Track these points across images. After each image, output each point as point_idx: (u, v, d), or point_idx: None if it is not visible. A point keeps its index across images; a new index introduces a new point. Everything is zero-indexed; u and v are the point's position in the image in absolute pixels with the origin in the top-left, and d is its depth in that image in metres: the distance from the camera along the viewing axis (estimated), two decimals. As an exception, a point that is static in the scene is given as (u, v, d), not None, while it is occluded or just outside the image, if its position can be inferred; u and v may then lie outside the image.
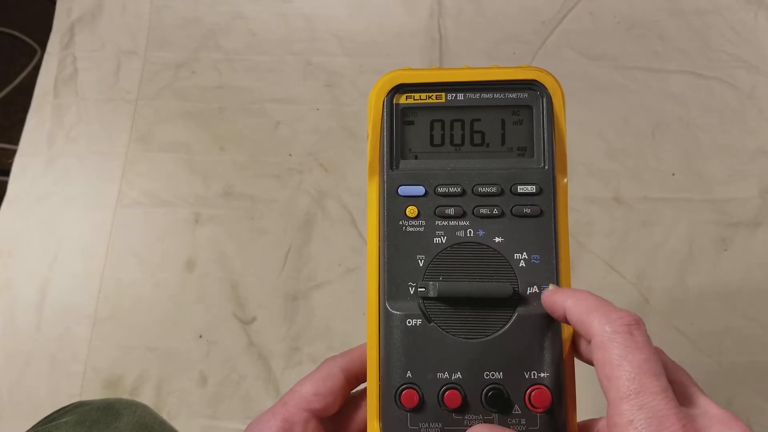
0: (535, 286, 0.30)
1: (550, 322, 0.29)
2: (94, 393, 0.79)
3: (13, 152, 0.94)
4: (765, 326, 0.81)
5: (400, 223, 0.30)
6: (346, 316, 0.82)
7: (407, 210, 0.31)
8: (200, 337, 0.82)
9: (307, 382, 0.31)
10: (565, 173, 0.31)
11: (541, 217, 0.30)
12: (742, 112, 0.93)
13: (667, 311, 0.82)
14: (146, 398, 0.79)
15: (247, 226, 0.87)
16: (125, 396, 0.79)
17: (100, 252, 0.86)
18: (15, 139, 0.96)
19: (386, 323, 0.30)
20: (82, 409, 0.47)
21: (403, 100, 0.32)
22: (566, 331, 0.29)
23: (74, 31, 1.01)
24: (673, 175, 0.89)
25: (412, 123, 0.32)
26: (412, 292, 0.30)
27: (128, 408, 0.48)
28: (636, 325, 0.25)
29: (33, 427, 0.47)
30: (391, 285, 0.30)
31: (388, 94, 0.31)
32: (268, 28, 1.01)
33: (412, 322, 0.29)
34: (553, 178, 0.30)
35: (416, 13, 1.01)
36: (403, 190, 0.31)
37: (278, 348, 0.81)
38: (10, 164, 0.92)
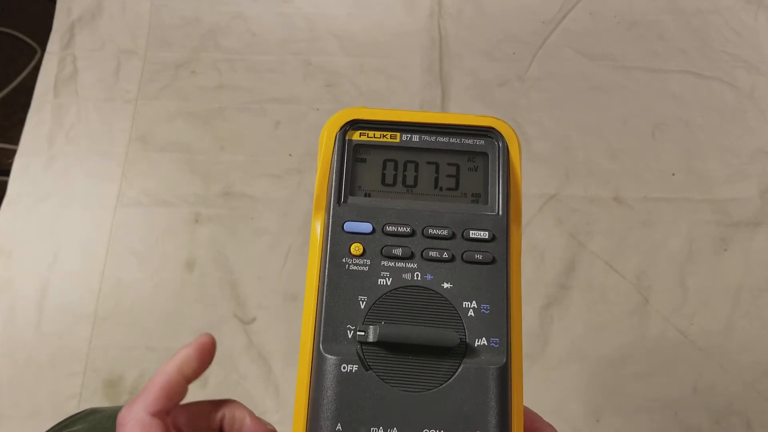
0: (483, 338, 0.27)
1: (499, 377, 0.27)
2: (94, 392, 0.79)
3: (13, 152, 0.94)
4: (765, 326, 0.81)
5: (344, 260, 0.28)
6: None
7: (352, 247, 0.28)
8: (200, 337, 0.82)
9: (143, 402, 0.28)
10: (519, 224, 0.30)
11: (493, 265, 0.28)
12: (742, 112, 0.93)
13: (667, 311, 0.82)
14: (146, 398, 0.79)
15: (247, 225, 0.87)
16: (125, 396, 0.79)
17: (100, 252, 0.86)
18: (15, 139, 0.96)
19: (318, 368, 0.27)
20: (93, 417, 0.47)
21: (356, 136, 0.30)
22: (516, 389, 0.27)
23: (74, 31, 1.01)
24: (673, 175, 0.89)
25: (364, 160, 0.30)
26: (350, 336, 0.27)
27: None
28: None
29: None
30: (328, 326, 0.27)
31: (341, 129, 0.30)
32: (268, 28, 1.01)
33: (347, 368, 0.27)
34: (507, 226, 0.29)
35: (416, 13, 1.01)
36: (349, 226, 0.29)
37: (278, 348, 0.81)
38: (10, 164, 0.92)
